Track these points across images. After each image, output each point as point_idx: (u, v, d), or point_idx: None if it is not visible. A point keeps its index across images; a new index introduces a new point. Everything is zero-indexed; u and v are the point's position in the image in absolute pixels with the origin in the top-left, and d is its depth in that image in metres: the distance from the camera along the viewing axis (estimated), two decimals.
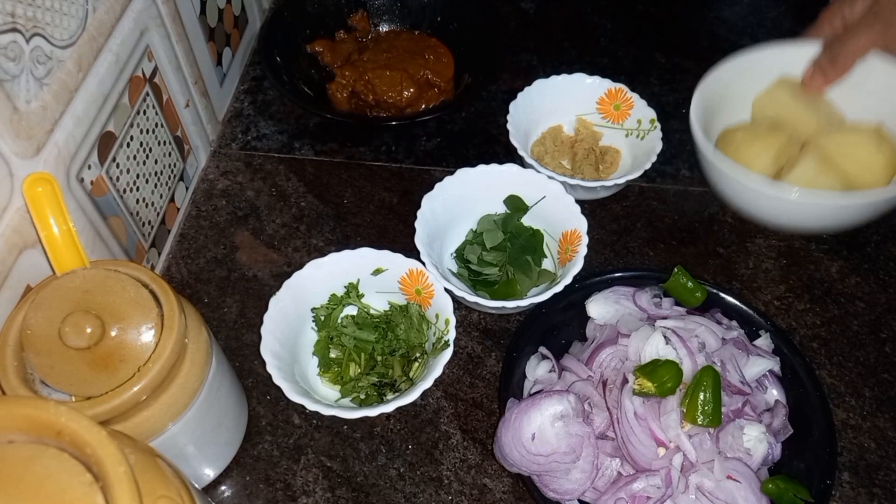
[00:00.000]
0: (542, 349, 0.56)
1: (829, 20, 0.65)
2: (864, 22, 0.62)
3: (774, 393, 0.54)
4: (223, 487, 0.54)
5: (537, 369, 0.55)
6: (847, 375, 0.60)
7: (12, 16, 0.42)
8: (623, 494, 0.48)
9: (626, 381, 0.50)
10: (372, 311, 0.60)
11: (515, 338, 0.57)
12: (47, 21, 0.46)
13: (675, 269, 0.57)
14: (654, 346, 0.51)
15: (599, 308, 0.58)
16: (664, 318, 0.55)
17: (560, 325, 0.59)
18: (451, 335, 0.54)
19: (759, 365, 0.53)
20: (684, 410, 0.48)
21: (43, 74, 0.46)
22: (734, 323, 0.57)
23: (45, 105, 0.46)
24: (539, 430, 0.49)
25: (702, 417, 0.47)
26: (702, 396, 0.48)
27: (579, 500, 0.50)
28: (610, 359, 0.53)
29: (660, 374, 0.48)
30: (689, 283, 0.57)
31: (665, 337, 0.52)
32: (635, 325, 0.54)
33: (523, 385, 0.56)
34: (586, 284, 0.59)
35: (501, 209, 0.65)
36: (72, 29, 0.48)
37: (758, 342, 0.56)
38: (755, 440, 0.49)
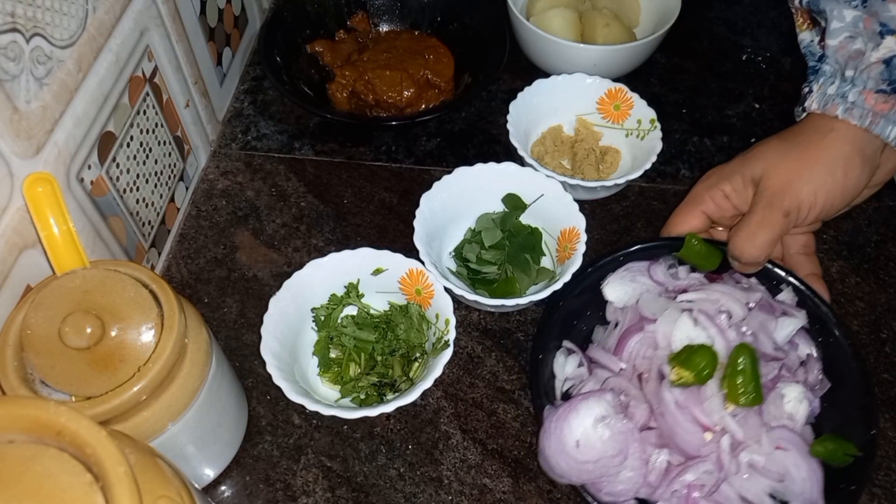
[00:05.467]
0: (567, 343, 0.55)
1: (711, 197, 0.58)
2: (757, 212, 0.54)
3: (805, 347, 0.53)
4: (223, 487, 0.54)
5: (566, 366, 0.54)
6: None
7: (12, 16, 0.42)
8: (677, 486, 0.47)
9: (662, 374, 0.49)
10: (372, 311, 0.60)
11: (536, 337, 0.55)
12: (47, 21, 0.46)
13: (687, 236, 0.55)
14: (683, 331, 0.50)
15: (616, 290, 0.56)
16: (683, 290, 0.54)
17: (578, 313, 0.57)
18: (451, 335, 0.54)
19: (788, 326, 0.52)
20: (725, 392, 0.47)
21: (43, 74, 0.46)
22: (754, 281, 0.55)
23: (45, 105, 0.46)
24: (583, 437, 0.48)
25: (744, 398, 0.46)
26: (741, 378, 0.47)
27: (635, 499, 0.49)
28: (639, 347, 0.52)
29: (696, 362, 0.47)
30: (703, 248, 0.55)
31: (692, 318, 0.50)
32: (657, 305, 0.53)
33: (554, 384, 0.55)
34: (598, 266, 0.57)
35: (500, 208, 0.65)
36: (72, 29, 0.48)
37: (781, 297, 0.54)
38: (795, 401, 0.49)
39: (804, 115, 0.57)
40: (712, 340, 0.50)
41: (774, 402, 0.49)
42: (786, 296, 0.55)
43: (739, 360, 0.47)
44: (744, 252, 0.54)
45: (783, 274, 0.55)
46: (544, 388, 0.53)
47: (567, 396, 0.54)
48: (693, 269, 0.56)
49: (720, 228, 0.61)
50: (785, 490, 0.48)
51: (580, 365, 0.54)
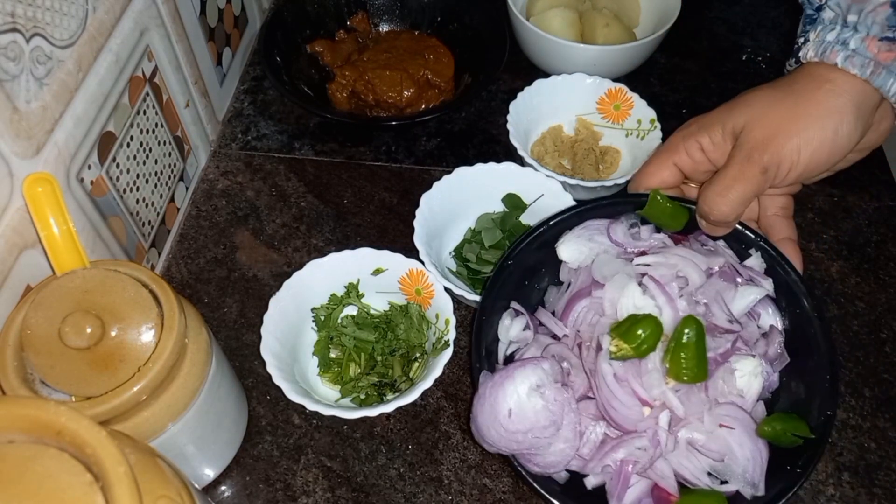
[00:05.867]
0: (514, 305, 0.52)
1: (686, 148, 0.53)
2: (733, 166, 0.50)
3: (769, 318, 0.50)
4: (223, 487, 0.54)
5: (511, 329, 0.51)
6: (847, 375, 0.60)
7: (12, 16, 0.42)
8: (609, 461, 0.46)
9: (600, 345, 0.47)
10: (372, 311, 0.60)
11: (483, 297, 0.52)
12: (47, 21, 0.46)
13: (652, 193, 0.51)
14: (630, 300, 0.48)
15: (571, 249, 0.52)
16: (643, 252, 0.51)
17: (532, 272, 0.54)
18: (451, 335, 0.54)
19: (749, 295, 0.49)
20: (668, 366, 0.45)
21: (43, 74, 0.46)
22: (721, 244, 0.52)
23: (45, 105, 0.46)
24: (516, 405, 0.45)
25: (687, 374, 0.44)
26: (685, 353, 0.44)
27: (566, 470, 0.48)
28: (585, 313, 0.50)
29: (636, 335, 0.45)
30: (669, 206, 0.51)
31: (642, 285, 0.48)
32: (610, 269, 0.50)
33: (497, 348, 0.52)
34: (555, 223, 0.53)
35: (500, 208, 0.65)
36: (72, 29, 0.48)
37: (749, 262, 0.51)
38: (749, 375, 0.46)
39: (798, 66, 0.52)
40: (660, 310, 0.47)
41: (724, 378, 0.46)
42: (754, 261, 0.51)
43: (685, 334, 0.44)
44: (713, 208, 0.50)
45: (753, 237, 0.52)
46: (486, 351, 0.50)
47: (510, 360, 0.51)
48: (657, 229, 0.53)
49: (692, 185, 0.56)
50: (725, 469, 0.46)
51: (526, 328, 0.51)
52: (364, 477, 0.54)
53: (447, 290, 0.57)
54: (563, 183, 0.63)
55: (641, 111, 0.70)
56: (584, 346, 0.49)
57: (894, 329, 0.62)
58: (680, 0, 0.77)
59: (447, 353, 0.53)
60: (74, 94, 0.49)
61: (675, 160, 0.54)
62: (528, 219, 0.65)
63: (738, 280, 0.51)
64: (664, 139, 0.67)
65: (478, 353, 0.50)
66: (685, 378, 0.45)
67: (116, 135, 0.55)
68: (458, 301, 0.59)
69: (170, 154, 0.65)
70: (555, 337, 0.51)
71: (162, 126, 0.63)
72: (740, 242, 0.52)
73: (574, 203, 0.60)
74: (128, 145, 0.57)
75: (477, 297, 0.57)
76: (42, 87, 0.46)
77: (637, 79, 0.78)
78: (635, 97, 0.70)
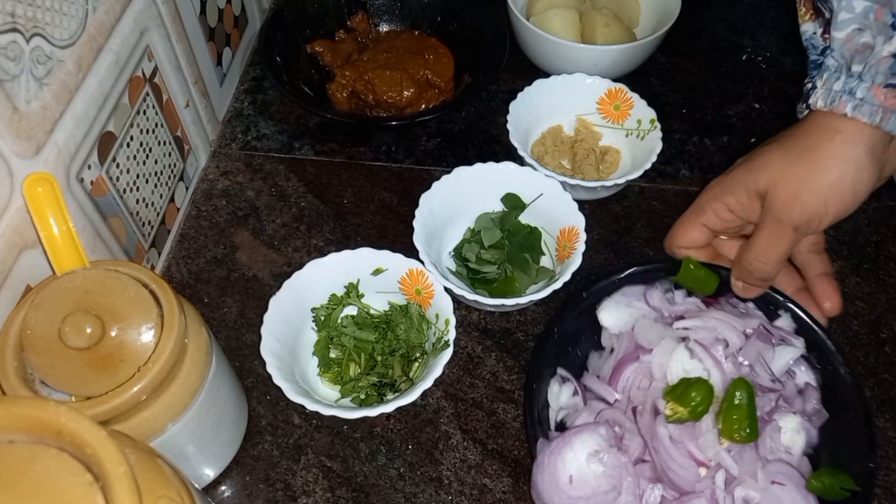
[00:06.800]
0: (561, 371, 0.54)
1: (714, 210, 0.56)
2: (766, 228, 0.53)
3: (803, 375, 0.53)
4: (223, 487, 0.54)
5: (560, 395, 0.53)
6: None
7: (12, 16, 0.42)
8: None
9: (656, 409, 0.49)
10: (372, 311, 0.60)
11: (531, 365, 0.54)
12: (47, 21, 0.46)
13: (684, 260, 0.55)
14: (679, 363, 0.50)
15: (612, 316, 0.55)
16: (680, 316, 0.53)
17: (574, 339, 0.56)
18: (451, 335, 0.54)
19: (785, 355, 0.52)
20: (720, 427, 0.47)
21: (43, 74, 0.46)
22: (751, 305, 0.54)
23: (45, 105, 0.46)
24: (577, 472, 0.47)
25: (739, 435, 0.46)
26: (736, 414, 0.46)
27: None
28: (634, 377, 0.52)
29: (691, 398, 0.47)
30: (701, 272, 0.55)
31: (689, 349, 0.50)
32: (653, 333, 0.52)
33: (548, 414, 0.54)
34: (593, 291, 0.56)
35: (499, 207, 0.65)
36: (72, 29, 0.48)
37: (779, 322, 0.54)
38: (792, 432, 0.48)
39: (807, 112, 0.54)
40: (708, 373, 0.49)
41: (771, 436, 0.48)
42: (784, 322, 0.54)
43: (736, 396, 0.47)
44: (755, 270, 0.53)
45: (781, 299, 0.55)
46: (538, 418, 0.52)
47: (561, 426, 0.53)
48: (689, 294, 0.56)
49: (724, 237, 0.60)
50: None
51: (575, 394, 0.53)
52: (364, 477, 0.54)
53: (447, 290, 0.57)
54: (562, 183, 0.63)
55: (641, 111, 0.70)
56: (638, 410, 0.50)
57: (894, 329, 0.62)
58: (680, 0, 0.77)
59: (447, 353, 0.53)
60: (74, 94, 0.49)
61: (703, 221, 0.57)
62: (528, 218, 0.65)
63: (773, 340, 0.53)
64: (664, 139, 0.67)
65: (531, 420, 0.51)
66: (737, 438, 0.47)
67: (116, 135, 0.55)
68: (458, 301, 0.59)
69: (170, 154, 0.65)
70: (604, 400, 0.53)
71: (162, 126, 0.63)
72: (768, 304, 0.55)
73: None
74: (128, 145, 0.57)
75: (477, 297, 0.57)
76: (42, 87, 0.46)
77: (637, 79, 0.78)
78: (635, 97, 0.70)
